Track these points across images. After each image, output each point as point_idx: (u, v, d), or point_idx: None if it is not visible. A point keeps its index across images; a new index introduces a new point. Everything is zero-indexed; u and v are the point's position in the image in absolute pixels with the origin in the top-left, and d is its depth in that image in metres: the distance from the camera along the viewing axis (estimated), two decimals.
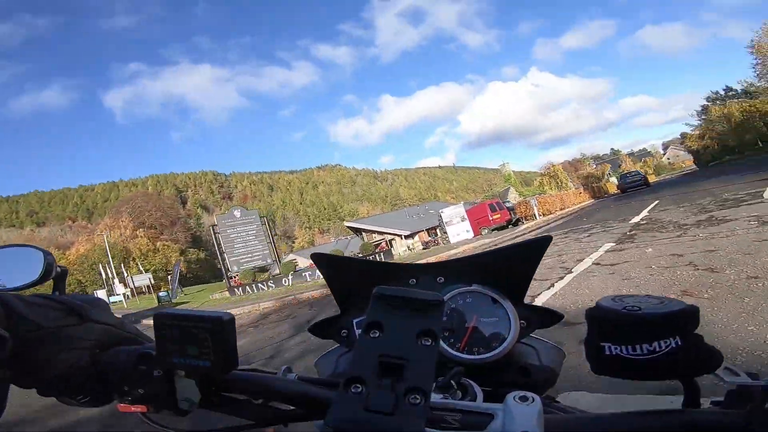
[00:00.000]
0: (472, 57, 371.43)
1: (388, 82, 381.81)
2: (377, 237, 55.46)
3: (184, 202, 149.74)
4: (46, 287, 0.58)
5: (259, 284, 20.19)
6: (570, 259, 6.62)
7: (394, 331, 0.38)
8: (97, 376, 0.48)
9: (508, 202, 31.39)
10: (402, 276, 0.73)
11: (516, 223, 25.34)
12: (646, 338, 0.38)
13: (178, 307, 14.27)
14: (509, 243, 0.70)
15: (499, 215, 24.98)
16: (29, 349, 0.43)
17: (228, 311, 0.45)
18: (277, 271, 23.25)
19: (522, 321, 0.66)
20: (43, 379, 0.45)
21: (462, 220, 24.09)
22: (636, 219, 9.85)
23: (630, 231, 8.23)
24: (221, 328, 0.42)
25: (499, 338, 0.64)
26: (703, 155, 49.62)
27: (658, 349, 0.38)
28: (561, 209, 26.28)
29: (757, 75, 36.91)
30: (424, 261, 0.97)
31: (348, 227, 59.50)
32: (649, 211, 10.82)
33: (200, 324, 0.42)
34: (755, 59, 35.89)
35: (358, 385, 0.35)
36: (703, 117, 50.27)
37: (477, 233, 24.25)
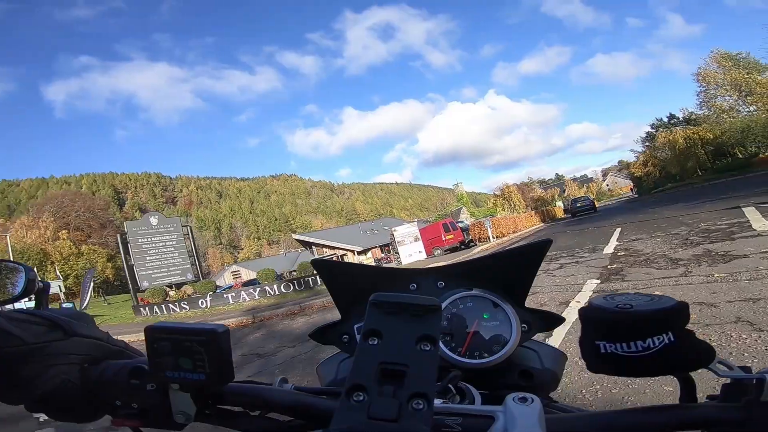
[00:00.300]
0: (435, 76, 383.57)
1: (352, 95, 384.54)
2: (328, 252, 53.14)
3: (121, 205, 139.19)
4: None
5: (171, 305, 17.35)
6: (550, 302, 5.06)
7: (393, 337, 0.37)
8: (88, 391, 0.47)
9: (462, 222, 30.51)
10: (403, 281, 0.73)
11: (469, 245, 24.22)
12: (640, 335, 0.38)
13: None
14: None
15: (452, 236, 23.76)
16: (14, 366, 0.43)
17: (222, 324, 0.44)
18: (192, 291, 20.02)
19: (523, 324, 0.66)
20: (30, 395, 0.44)
21: (415, 240, 22.50)
22: (608, 249, 8.57)
23: (610, 264, 6.84)
24: (216, 340, 0.41)
25: (500, 342, 0.64)
26: (645, 182, 49.87)
27: (652, 346, 0.38)
28: (514, 232, 25.55)
29: (700, 103, 37.80)
30: (424, 266, 0.89)
31: (297, 240, 56.71)
32: (618, 240, 9.64)
33: (194, 337, 0.41)
34: (699, 86, 36.67)
35: (360, 393, 0.34)
36: (647, 144, 51.14)
37: (430, 253, 22.87)
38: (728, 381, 0.40)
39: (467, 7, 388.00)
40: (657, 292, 0.42)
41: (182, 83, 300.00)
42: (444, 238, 23.39)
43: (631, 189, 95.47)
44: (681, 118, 44.11)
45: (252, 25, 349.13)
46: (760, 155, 29.26)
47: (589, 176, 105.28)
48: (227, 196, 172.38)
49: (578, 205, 33.31)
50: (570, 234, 15.12)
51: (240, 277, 70.95)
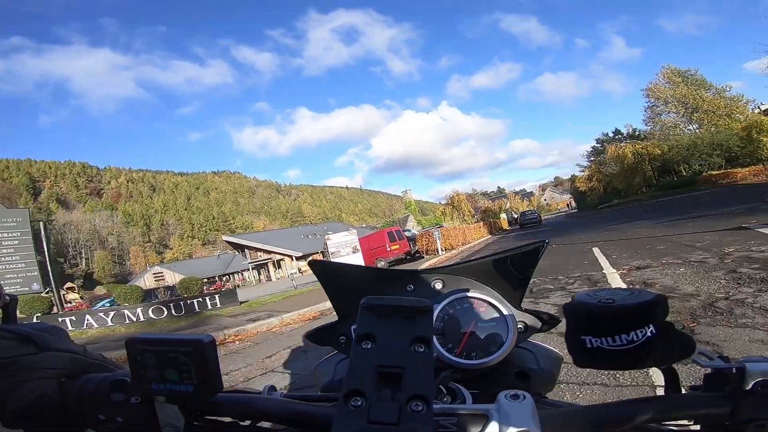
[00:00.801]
0: (394, 83, 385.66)
1: (308, 95, 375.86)
2: (263, 256, 48.57)
3: (36, 194, 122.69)
4: None
5: None
6: None
7: (387, 340, 0.37)
8: (68, 405, 0.46)
9: (408, 230, 27.96)
10: (400, 282, 0.73)
11: (415, 256, 21.56)
12: (623, 329, 0.39)
13: None
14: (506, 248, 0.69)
15: (398, 246, 20.99)
16: None
17: (208, 334, 0.42)
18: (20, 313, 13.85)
19: (520, 325, 0.66)
20: (5, 411, 0.43)
21: (353, 251, 17.06)
22: (612, 279, 5.96)
23: None
24: (202, 351, 0.40)
25: (497, 343, 0.65)
26: (589, 197, 48.12)
27: (635, 339, 0.39)
28: (463, 243, 23.42)
29: (646, 118, 38.52)
30: (422, 266, 0.77)
31: (227, 242, 51.32)
32: (613, 265, 7.13)
33: (179, 348, 0.40)
34: (647, 102, 37.27)
35: (358, 398, 0.34)
36: (591, 159, 50.61)
37: (372, 266, 19.66)
38: (709, 371, 0.40)
39: (432, 18, 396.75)
40: None
41: (124, 71, 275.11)
42: (389, 248, 20.56)
43: (568, 204, 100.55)
44: (625, 134, 44.29)
45: (209, 17, 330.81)
46: (704, 173, 29.28)
47: (528, 190, 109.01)
48: (161, 191, 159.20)
49: (526, 217, 37.42)
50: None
51: (163, 279, 63.94)
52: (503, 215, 56.76)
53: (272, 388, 0.51)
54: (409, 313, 0.38)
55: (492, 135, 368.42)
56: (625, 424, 0.39)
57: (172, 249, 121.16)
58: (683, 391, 0.42)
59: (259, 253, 47.80)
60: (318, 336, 0.74)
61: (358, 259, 16.30)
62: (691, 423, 0.42)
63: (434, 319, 0.66)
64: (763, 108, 31.65)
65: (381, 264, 19.93)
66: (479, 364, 0.63)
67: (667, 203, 22.12)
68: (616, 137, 45.63)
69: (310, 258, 8.19)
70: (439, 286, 0.73)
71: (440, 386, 0.52)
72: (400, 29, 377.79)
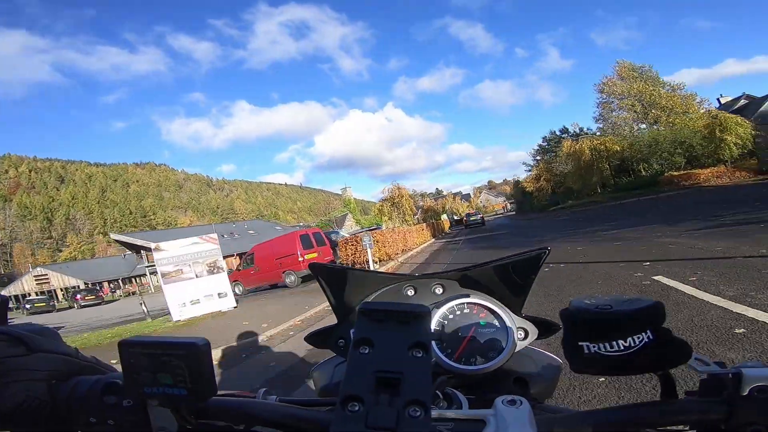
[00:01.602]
0: (342, 82, 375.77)
1: (248, 88, 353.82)
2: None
3: None
4: None
5: None
6: None
7: (384, 345, 0.37)
8: (56, 408, 0.44)
9: (336, 232, 21.92)
10: (400, 287, 0.73)
11: None
12: (621, 335, 0.39)
13: None
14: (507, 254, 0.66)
15: (316, 254, 14.74)
16: None
17: (202, 337, 0.41)
18: None
19: (519, 332, 0.65)
20: None
21: (211, 271, 9.36)
22: None
23: None
24: (196, 354, 0.39)
25: (496, 349, 0.63)
26: (537, 198, 42.33)
27: (633, 345, 0.38)
28: (403, 251, 17.68)
29: (596, 116, 35.03)
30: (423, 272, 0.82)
31: (117, 241, 41.39)
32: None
33: (173, 351, 0.39)
34: (600, 98, 33.91)
35: (356, 403, 0.34)
36: (538, 158, 45.45)
37: (259, 283, 13.89)
38: (705, 377, 0.40)
39: (385, 19, 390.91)
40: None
41: (41, 53, 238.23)
42: (302, 258, 14.26)
43: (504, 206, 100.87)
44: (572, 132, 40.70)
45: (147, 3, 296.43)
46: (666, 174, 26.11)
47: (464, 192, 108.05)
48: (71, 182, 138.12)
49: (471, 218, 38.61)
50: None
51: (48, 282, 51.91)
52: (444, 216, 52.82)
53: (267, 392, 0.50)
54: (406, 318, 0.38)
55: (433, 138, 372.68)
56: (622, 430, 0.39)
57: (69, 246, 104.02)
58: (680, 397, 0.42)
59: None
60: (317, 339, 0.73)
61: (218, 282, 9.49)
62: (688, 428, 0.41)
63: (434, 324, 0.66)
64: (723, 101, 29.96)
65: (290, 279, 13.80)
66: (478, 369, 0.61)
67: (636, 205, 18.43)
68: (563, 136, 41.19)
69: (312, 263, 0.81)
70: (439, 291, 0.72)
71: (437, 391, 0.50)
72: (354, 28, 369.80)
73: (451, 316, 0.67)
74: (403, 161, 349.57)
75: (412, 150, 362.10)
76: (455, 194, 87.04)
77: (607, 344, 0.39)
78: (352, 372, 0.36)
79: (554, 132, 44.09)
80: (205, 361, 0.39)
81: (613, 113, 31.89)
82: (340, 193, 70.88)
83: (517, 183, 54.79)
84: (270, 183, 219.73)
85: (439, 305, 0.68)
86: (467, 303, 0.67)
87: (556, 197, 38.88)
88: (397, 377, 0.34)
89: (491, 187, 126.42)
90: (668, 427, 0.40)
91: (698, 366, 0.40)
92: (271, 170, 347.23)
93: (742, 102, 28.73)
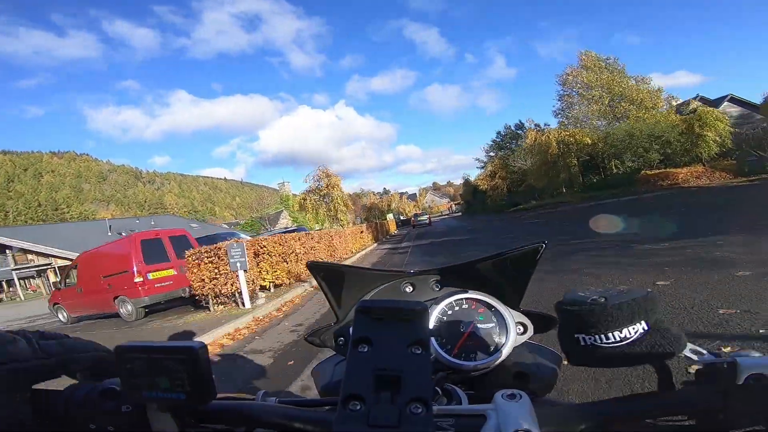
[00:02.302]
0: (292, 77, 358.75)
1: (189, 78, 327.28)
2: (38, 260, 30.49)
3: None
4: None
5: None
6: None
7: (383, 343, 0.36)
8: (52, 415, 0.44)
9: (234, 233, 15.37)
10: (398, 284, 0.71)
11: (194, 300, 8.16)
12: (616, 326, 0.38)
13: None
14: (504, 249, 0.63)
15: (174, 269, 8.40)
16: None
17: (199, 340, 0.41)
18: None
19: (519, 326, 0.64)
20: None
21: None
22: None
23: None
24: (195, 358, 0.38)
25: (496, 344, 0.62)
26: (491, 197, 36.61)
27: (628, 336, 0.38)
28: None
29: (557, 110, 29.89)
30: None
31: None
32: None
33: (171, 355, 0.38)
34: (562, 90, 29.22)
35: (357, 402, 0.33)
36: (492, 154, 39.38)
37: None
38: (701, 366, 0.40)
39: (342, 16, 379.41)
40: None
41: None
42: (140, 278, 7.81)
43: (449, 207, 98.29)
44: (527, 128, 34.94)
45: None
46: (642, 172, 22.12)
47: (410, 192, 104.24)
48: None
49: (419, 218, 38.13)
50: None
51: None
52: (390, 216, 47.54)
53: (266, 394, 0.48)
54: (405, 315, 0.37)
55: (382, 138, 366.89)
56: (621, 421, 0.39)
57: None
58: (677, 387, 0.42)
59: (29, 256, 29.64)
60: (317, 337, 0.71)
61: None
62: (686, 419, 0.40)
63: (433, 320, 0.64)
64: (675, 104, 26.40)
65: (126, 310, 8.02)
66: (478, 365, 0.60)
67: (624, 208, 14.16)
68: (519, 132, 35.77)
69: (310, 261, 0.97)
70: (438, 287, 0.71)
71: (436, 388, 0.50)
72: (310, 23, 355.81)
73: (450, 312, 0.65)
74: (351, 160, 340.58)
75: (361, 149, 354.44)
76: (401, 194, 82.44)
77: (603, 336, 0.39)
78: (352, 371, 0.35)
79: (509, 127, 38.22)
80: (203, 364, 0.38)
81: (575, 107, 27.86)
82: (276, 187, 62.63)
83: (467, 181, 48.96)
84: (208, 177, 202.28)
85: (437, 301, 0.66)
86: (466, 299, 0.65)
87: (514, 197, 33.02)
88: (397, 375, 0.34)
89: (436, 188, 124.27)
90: (668, 417, 0.40)
91: (694, 356, 0.39)
92: (210, 164, 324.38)
93: (695, 104, 26.45)
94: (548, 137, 25.70)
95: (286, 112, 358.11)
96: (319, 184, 20.56)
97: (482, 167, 41.18)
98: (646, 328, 0.38)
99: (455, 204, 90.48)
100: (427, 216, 39.49)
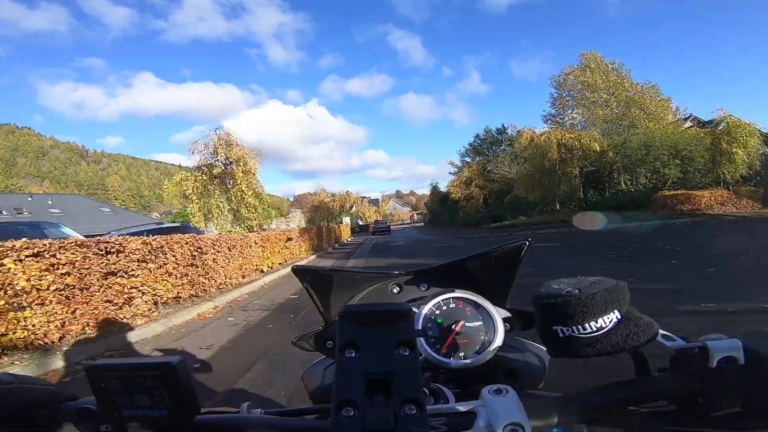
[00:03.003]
0: (267, 70, 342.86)
1: (158, 61, 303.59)
2: None
3: None
4: None
5: None
6: None
7: (371, 347, 0.36)
8: None
9: (196, 229, 8.81)
10: (385, 285, 0.71)
11: None
12: (591, 316, 0.39)
13: None
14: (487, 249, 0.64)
15: None
16: None
17: (177, 356, 0.38)
18: None
19: (506, 324, 0.64)
20: None
21: None
22: None
23: None
24: (173, 374, 0.36)
25: (484, 342, 0.62)
26: (464, 208, 28.37)
27: (604, 326, 0.38)
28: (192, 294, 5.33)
29: (545, 116, 25.83)
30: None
31: None
32: None
33: (147, 372, 0.36)
34: (556, 93, 25.04)
35: (350, 409, 0.32)
36: (467, 159, 32.63)
37: None
38: (674, 352, 0.40)
39: (328, 14, 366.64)
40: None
41: None
42: None
43: (411, 216, 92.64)
44: (510, 135, 29.57)
45: None
46: (660, 192, 16.63)
47: (373, 198, 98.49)
48: None
49: (379, 226, 36.78)
50: None
51: None
52: (346, 219, 41.43)
53: (251, 406, 0.46)
54: (389, 318, 0.37)
55: (351, 141, 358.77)
56: (604, 409, 0.39)
57: None
58: (654, 374, 0.42)
59: None
60: (305, 341, 0.69)
61: None
62: (666, 404, 0.40)
63: (421, 320, 0.63)
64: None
65: None
66: (467, 364, 0.59)
67: (659, 236, 9.26)
68: (500, 137, 29.89)
69: (295, 266, 0.85)
70: (424, 287, 0.70)
71: (423, 388, 0.48)
72: (294, 17, 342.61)
73: (437, 312, 0.64)
74: (317, 160, 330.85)
75: (329, 150, 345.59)
76: (363, 198, 76.39)
77: (579, 326, 0.39)
78: (342, 377, 0.34)
79: (489, 130, 31.49)
80: (183, 380, 0.37)
81: (573, 111, 22.96)
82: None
83: (434, 189, 41.75)
84: (160, 162, 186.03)
85: (425, 301, 0.65)
86: (453, 298, 0.64)
87: (495, 209, 25.53)
88: (387, 378, 0.33)
89: (399, 196, 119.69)
90: (648, 404, 0.40)
91: (666, 342, 0.40)
92: (167, 149, 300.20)
93: (688, 125, 22.83)
94: (548, 138, 19.09)
95: (255, 105, 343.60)
96: (213, 159, 11.38)
97: (456, 173, 33.10)
98: (619, 317, 0.38)
99: (417, 213, 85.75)
100: (387, 224, 37.06)
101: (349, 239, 28.47)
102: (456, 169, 34.15)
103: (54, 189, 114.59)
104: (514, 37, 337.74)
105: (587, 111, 21.78)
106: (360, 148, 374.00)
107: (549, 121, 24.18)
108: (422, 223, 57.41)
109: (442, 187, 38.19)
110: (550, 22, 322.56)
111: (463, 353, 0.60)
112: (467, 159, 33.02)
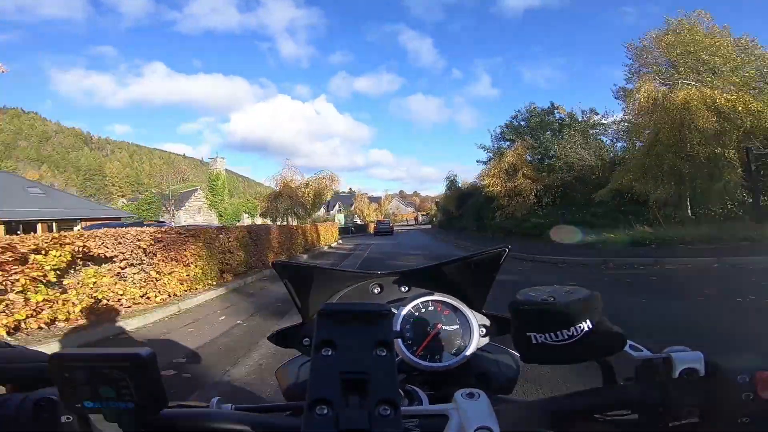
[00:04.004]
0: (278, 64, 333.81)
1: (170, 51, 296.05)
2: None
3: None
4: None
5: None
6: None
7: (348, 346, 0.35)
8: None
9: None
10: (366, 285, 0.69)
11: None
12: (564, 324, 0.38)
13: None
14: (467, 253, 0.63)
15: None
16: None
17: (146, 347, 0.36)
18: None
19: (481, 328, 0.63)
20: None
21: None
22: None
23: None
24: (142, 365, 0.34)
25: (459, 346, 0.61)
26: (507, 208, 16.92)
27: (575, 334, 0.38)
28: None
29: (616, 92, 15.89)
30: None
31: None
32: None
33: (114, 363, 0.34)
34: (630, 59, 14.78)
35: (324, 407, 0.31)
36: (508, 142, 20.01)
37: None
38: (639, 363, 0.40)
39: (341, 10, 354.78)
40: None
41: None
42: None
43: (416, 218, 76.79)
44: (560, 116, 19.16)
45: None
46: None
47: (375, 196, 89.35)
48: None
49: (381, 227, 33.13)
50: None
51: None
52: (340, 216, 33.20)
53: (221, 401, 0.44)
54: (368, 318, 0.36)
55: (357, 139, 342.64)
56: (571, 416, 0.39)
57: None
58: (620, 383, 0.42)
59: None
60: (281, 338, 0.67)
61: None
62: (629, 412, 0.40)
63: (400, 321, 0.62)
64: None
65: None
66: (442, 366, 0.58)
67: None
68: (550, 118, 19.00)
69: (276, 261, 0.63)
70: (404, 288, 0.69)
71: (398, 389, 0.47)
72: (307, 12, 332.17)
73: (416, 314, 0.63)
74: (321, 156, 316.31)
75: (334, 147, 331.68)
76: (364, 194, 67.72)
77: (552, 334, 0.38)
78: (317, 375, 0.33)
79: (534, 107, 19.63)
80: (151, 372, 0.35)
81: (660, 85, 12.79)
82: (210, 163, 45.96)
83: (452, 183, 30.81)
84: (165, 151, 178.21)
85: (404, 303, 0.64)
86: (431, 300, 0.64)
87: (565, 213, 14.48)
88: (363, 377, 0.33)
89: (402, 196, 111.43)
90: (613, 412, 0.40)
91: (633, 352, 0.40)
92: (174, 140, 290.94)
93: None
94: (687, 97, 9.63)
95: (264, 99, 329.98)
96: None
97: (486, 161, 20.85)
98: (590, 326, 0.38)
99: (422, 214, 77.05)
100: (390, 224, 33.78)
101: (335, 244, 19.83)
102: (487, 156, 21.29)
103: (51, 173, 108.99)
104: (527, 42, 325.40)
105: (707, 76, 11.79)
106: (364, 146, 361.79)
107: (623, 97, 14.79)
108: (429, 225, 48.79)
109: (476, 178, 23.66)
110: (564, 28, 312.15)
111: (439, 356, 0.59)
112: (503, 144, 20.58)
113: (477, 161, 29.17)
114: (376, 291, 0.69)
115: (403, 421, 0.33)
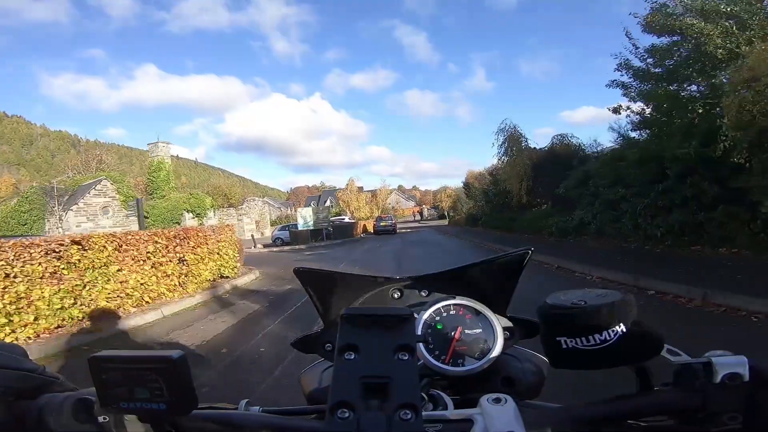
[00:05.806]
0: (271, 63, 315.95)
1: (161, 53, 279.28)
2: None
3: None
4: None
5: None
6: None
7: (370, 350, 0.34)
8: (24, 428, 0.39)
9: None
10: (386, 290, 0.67)
11: None
12: (597, 329, 0.36)
13: None
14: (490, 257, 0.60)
15: None
16: None
17: (177, 350, 0.36)
18: None
19: (506, 332, 0.60)
20: None
21: None
22: None
23: None
24: (174, 368, 0.34)
25: (483, 350, 0.58)
26: (539, 201, 10.40)
27: (608, 338, 0.36)
28: None
29: (643, 55, 8.54)
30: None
31: None
32: None
33: (148, 365, 0.34)
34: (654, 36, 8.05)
35: (345, 410, 0.30)
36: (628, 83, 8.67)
37: None
38: (678, 367, 0.38)
39: (334, 7, 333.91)
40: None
41: None
42: None
43: (420, 213, 62.47)
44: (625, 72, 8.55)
45: None
46: None
47: (371, 190, 74.94)
48: None
49: (382, 224, 28.62)
50: None
51: None
52: (304, 211, 19.92)
53: (249, 403, 0.44)
54: (390, 322, 0.35)
55: (354, 136, 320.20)
56: (603, 422, 0.36)
57: None
58: (656, 388, 0.39)
59: None
60: (303, 344, 0.65)
61: None
62: (666, 419, 0.38)
63: (421, 326, 0.59)
64: None
65: None
66: (466, 371, 0.56)
67: None
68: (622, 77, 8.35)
69: (296, 267, 0.62)
70: (425, 293, 0.66)
71: (421, 393, 0.45)
72: (299, 9, 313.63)
73: (437, 318, 0.60)
74: (319, 154, 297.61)
75: (332, 144, 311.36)
76: (359, 188, 52.99)
77: (583, 338, 0.36)
78: (339, 378, 0.33)
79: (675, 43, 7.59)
80: (183, 373, 0.35)
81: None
82: (153, 150, 32.03)
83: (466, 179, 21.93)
84: (156, 155, 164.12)
85: (425, 307, 0.61)
86: (453, 305, 0.60)
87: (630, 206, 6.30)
88: (384, 381, 0.31)
89: (402, 190, 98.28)
90: (648, 418, 0.38)
91: (671, 357, 0.37)
92: (168, 141, 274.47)
93: None
94: None
95: (258, 98, 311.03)
96: None
97: (505, 153, 12.14)
98: (624, 330, 0.36)
99: (428, 209, 62.98)
100: (393, 222, 27.61)
101: (243, 281, 6.97)
102: (508, 135, 11.31)
103: (30, 177, 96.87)
104: (522, 34, 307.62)
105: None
106: (362, 143, 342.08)
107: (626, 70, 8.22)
108: (444, 221, 35.35)
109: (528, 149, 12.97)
110: (560, 19, 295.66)
111: (462, 360, 0.57)
112: (633, 82, 8.98)
113: (497, 153, 15.03)
114: (396, 296, 0.66)
115: (425, 426, 0.32)
